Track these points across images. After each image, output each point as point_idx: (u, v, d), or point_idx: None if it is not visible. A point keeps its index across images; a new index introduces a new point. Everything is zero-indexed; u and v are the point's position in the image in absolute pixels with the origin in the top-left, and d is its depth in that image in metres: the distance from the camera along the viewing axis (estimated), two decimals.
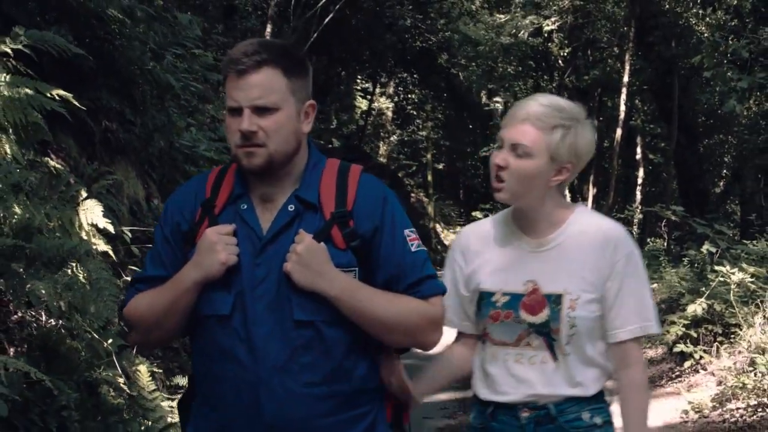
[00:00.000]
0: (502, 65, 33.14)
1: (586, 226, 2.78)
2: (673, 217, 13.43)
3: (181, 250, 2.45)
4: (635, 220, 25.58)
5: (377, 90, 36.77)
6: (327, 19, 20.65)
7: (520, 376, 2.72)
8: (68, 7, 5.43)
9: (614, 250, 2.72)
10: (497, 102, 37.34)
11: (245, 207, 2.41)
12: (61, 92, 3.79)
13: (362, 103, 37.70)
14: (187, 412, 2.56)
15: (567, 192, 34.10)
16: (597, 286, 2.72)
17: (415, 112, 39.28)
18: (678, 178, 20.85)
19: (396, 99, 38.94)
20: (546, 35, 27.81)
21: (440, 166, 41.91)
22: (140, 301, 2.45)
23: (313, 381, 2.34)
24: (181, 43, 7.60)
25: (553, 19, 23.57)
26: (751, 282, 8.77)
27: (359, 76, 34.46)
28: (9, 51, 3.90)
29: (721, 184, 30.59)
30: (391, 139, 40.16)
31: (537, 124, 2.67)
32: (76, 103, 3.99)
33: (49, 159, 4.86)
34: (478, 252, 2.84)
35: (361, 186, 2.46)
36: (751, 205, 21.56)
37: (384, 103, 39.69)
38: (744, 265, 9.13)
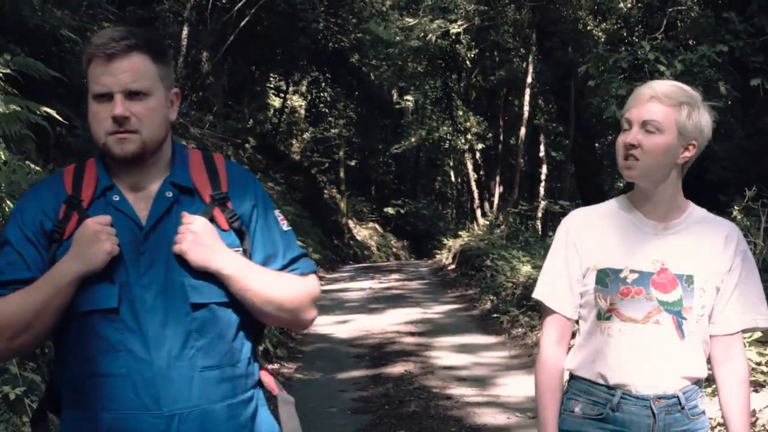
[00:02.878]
0: (412, 65, 34.19)
1: (707, 218, 2.86)
2: (559, 209, 14.57)
3: (46, 250, 2.37)
4: (539, 214, 26.87)
5: (290, 88, 37.35)
6: (243, 22, 21.21)
7: (649, 356, 2.75)
8: (27, 29, 6.20)
9: (735, 244, 2.81)
10: (408, 100, 38.30)
11: (118, 198, 2.37)
12: (47, 109, 4.62)
13: (275, 101, 38.21)
14: (45, 425, 2.49)
15: (474, 187, 35.36)
16: (720, 274, 2.79)
17: (327, 111, 39.74)
18: (576, 175, 22.05)
19: (309, 97, 39.54)
20: (453, 37, 28.85)
21: (352, 163, 42.53)
22: (4, 306, 2.31)
23: (209, 365, 2.35)
24: None
25: (459, 23, 24.62)
26: None
27: (272, 75, 34.98)
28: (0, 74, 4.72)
29: (622, 180, 32.02)
30: (304, 136, 40.73)
31: (665, 101, 2.71)
32: (59, 118, 4.81)
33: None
34: (596, 230, 2.87)
35: (230, 168, 2.50)
36: None
37: (297, 101, 40.25)
38: None
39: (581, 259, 2.85)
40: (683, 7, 15.19)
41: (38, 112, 4.45)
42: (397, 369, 9.97)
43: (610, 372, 2.77)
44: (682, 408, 2.75)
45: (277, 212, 2.55)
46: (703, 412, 2.84)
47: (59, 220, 2.36)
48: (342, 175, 38.59)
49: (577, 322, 2.93)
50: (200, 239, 2.31)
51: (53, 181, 2.48)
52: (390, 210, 40.54)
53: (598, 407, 2.80)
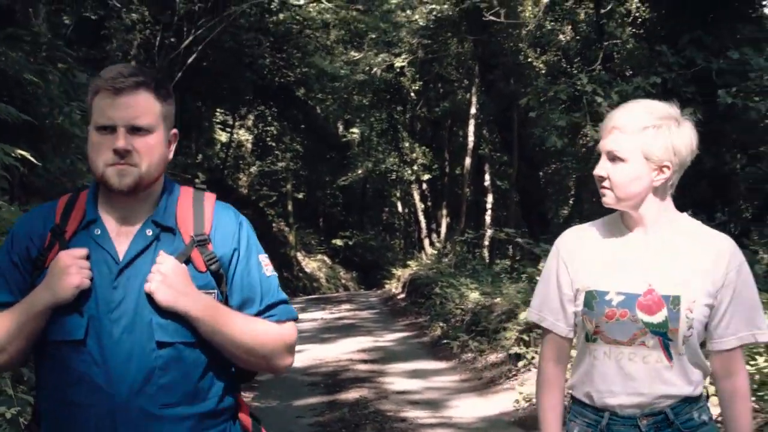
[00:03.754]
0: (357, 97, 34.58)
1: (698, 232, 2.82)
2: (504, 237, 14.99)
3: (29, 275, 2.44)
4: (485, 242, 27.29)
5: (236, 123, 37.47)
6: (190, 60, 21.39)
7: (635, 376, 2.75)
8: None
9: (728, 259, 2.77)
10: (353, 132, 38.61)
11: (99, 232, 2.42)
12: (21, 152, 4.88)
13: (222, 136, 38.27)
14: None
15: (422, 217, 35.74)
16: (711, 292, 2.75)
17: (274, 144, 39.89)
18: (521, 204, 22.49)
19: (255, 131, 39.67)
20: (398, 70, 29.29)
21: (300, 196, 42.57)
22: None
23: (170, 402, 2.37)
24: (80, 99, 8.66)
25: (403, 56, 25.09)
26: None
27: (219, 110, 35.11)
28: None
29: (567, 207, 32.60)
30: (251, 170, 40.83)
31: (626, 129, 2.69)
32: (33, 160, 5.08)
33: None
34: (585, 251, 2.87)
35: (218, 211, 2.52)
36: None
37: (243, 136, 40.36)
38: None
39: (572, 279, 2.85)
40: (619, 41, 15.77)
41: (13, 155, 4.72)
42: (352, 395, 10.23)
43: (597, 394, 2.79)
44: (671, 423, 2.76)
45: (262, 257, 2.56)
46: (705, 423, 2.82)
47: (44, 248, 2.42)
48: (290, 208, 38.63)
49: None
50: (168, 280, 2.34)
51: (47, 208, 2.53)
52: (338, 242, 40.71)
53: (591, 429, 2.82)
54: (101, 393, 2.32)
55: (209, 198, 2.54)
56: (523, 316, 10.82)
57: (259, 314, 2.49)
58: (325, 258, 40.00)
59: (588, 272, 2.82)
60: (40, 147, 7.16)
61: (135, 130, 2.34)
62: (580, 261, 2.85)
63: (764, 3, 14.30)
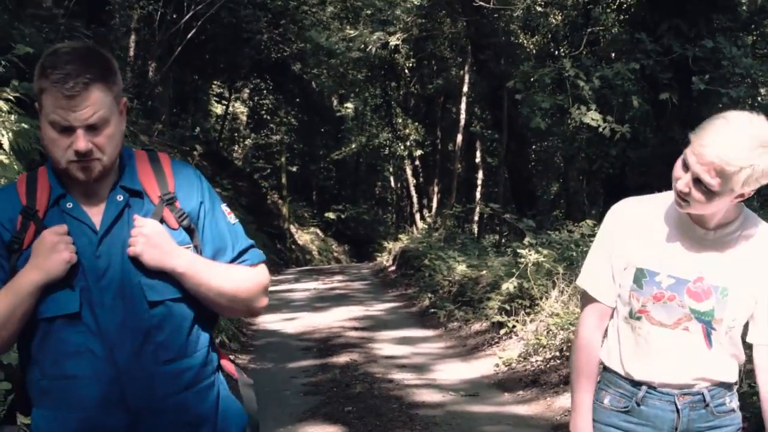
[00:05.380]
0: (352, 73, 35.04)
1: (754, 228, 2.82)
2: (491, 212, 15.62)
3: (7, 260, 2.44)
4: (475, 218, 27.94)
5: (232, 96, 37.83)
6: (190, 34, 21.78)
7: (676, 358, 2.78)
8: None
9: None
10: (348, 107, 39.05)
11: (71, 205, 2.44)
12: None
13: (218, 108, 38.59)
14: (14, 422, 2.61)
15: (413, 192, 36.37)
16: (758, 287, 2.78)
17: (269, 117, 40.15)
18: (510, 181, 23.00)
19: (250, 104, 40.04)
20: (393, 47, 29.77)
21: (294, 169, 42.77)
22: None
23: (168, 358, 2.45)
24: None
25: (398, 35, 25.58)
26: (545, 261, 11.06)
27: (215, 83, 35.44)
28: (12, 98, 5.61)
29: (557, 184, 33.15)
30: (246, 142, 41.16)
31: (725, 169, 2.56)
32: None
33: None
34: (641, 225, 2.85)
35: (175, 168, 2.58)
36: (574, 203, 23.78)
37: (239, 108, 40.73)
38: (540, 249, 11.45)
39: (623, 252, 2.85)
40: (601, 28, 16.37)
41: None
42: (343, 359, 10.90)
43: (636, 369, 2.83)
44: (707, 405, 2.79)
45: (224, 206, 2.64)
46: (733, 410, 2.88)
47: (17, 231, 2.43)
48: (284, 180, 38.71)
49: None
50: (152, 241, 2.41)
51: (6, 191, 2.53)
52: (331, 215, 41.00)
53: (625, 400, 2.85)
54: (102, 362, 2.39)
55: (164, 158, 2.60)
56: (504, 287, 11.51)
57: (232, 261, 2.59)
58: (318, 231, 40.35)
59: (641, 249, 2.81)
60: None
61: (92, 128, 2.34)
62: (635, 235, 2.84)
63: None
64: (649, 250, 2.80)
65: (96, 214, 2.45)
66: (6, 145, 5.45)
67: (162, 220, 2.48)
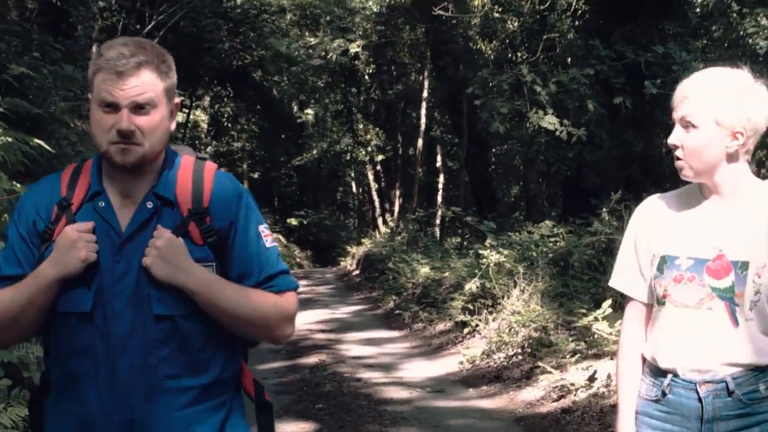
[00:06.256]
0: (312, 79, 35.30)
1: None
2: (453, 215, 15.97)
3: (37, 248, 2.45)
4: (437, 221, 28.29)
5: (193, 103, 37.87)
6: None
7: (698, 341, 2.75)
8: None
9: None
10: (308, 113, 39.29)
11: (103, 204, 2.42)
12: (37, 140, 5.79)
13: (178, 116, 38.57)
14: (40, 412, 2.56)
15: (375, 197, 36.68)
16: None
17: (230, 125, 40.24)
18: (470, 184, 23.34)
19: (211, 111, 40.11)
20: (353, 54, 30.07)
21: (255, 176, 42.88)
22: None
23: (171, 374, 2.40)
24: (67, 89, 9.51)
25: (358, 42, 25.91)
26: (506, 261, 11.45)
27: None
28: None
29: (517, 187, 33.56)
30: (208, 150, 41.18)
31: (697, 96, 2.69)
32: (48, 148, 5.97)
33: None
34: (662, 217, 2.88)
35: (217, 183, 2.49)
36: (534, 205, 24.13)
37: (199, 116, 40.79)
38: (500, 249, 11.85)
39: (648, 245, 2.88)
40: (557, 35, 16.80)
41: (30, 143, 5.62)
42: (312, 359, 11.18)
43: (661, 355, 2.82)
44: (731, 392, 2.72)
45: (262, 227, 2.55)
46: None
47: (51, 221, 2.44)
48: (246, 187, 38.96)
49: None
50: (164, 255, 2.35)
51: (51, 180, 2.54)
52: (293, 221, 41.14)
53: (656, 389, 2.84)
54: (104, 365, 2.37)
55: (209, 169, 2.53)
56: (467, 287, 11.87)
57: (257, 285, 2.49)
58: (281, 237, 40.45)
59: (662, 238, 2.84)
60: (35, 134, 7.99)
61: (138, 109, 2.34)
62: (655, 227, 2.87)
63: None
64: (670, 237, 2.83)
65: (125, 217, 2.42)
66: None
67: (186, 234, 2.42)
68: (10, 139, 5.74)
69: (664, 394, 2.80)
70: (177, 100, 2.49)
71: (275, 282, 2.51)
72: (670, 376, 2.79)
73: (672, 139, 2.76)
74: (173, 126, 2.48)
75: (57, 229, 2.42)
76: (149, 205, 2.42)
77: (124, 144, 2.34)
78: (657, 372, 2.84)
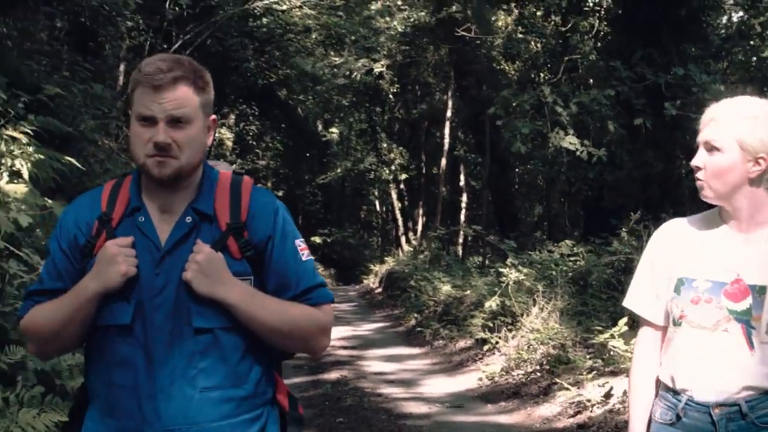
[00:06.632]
0: (337, 98, 35.56)
1: None
2: (474, 234, 16.12)
3: (78, 262, 2.50)
4: (459, 240, 28.40)
5: (218, 121, 38.03)
6: None
7: (713, 363, 2.76)
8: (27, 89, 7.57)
9: None
10: (333, 132, 39.54)
11: (143, 219, 2.47)
12: (68, 158, 6.04)
13: None
14: (79, 421, 2.59)
15: (399, 216, 36.84)
16: None
17: (254, 143, 40.53)
18: (493, 203, 23.48)
19: (236, 130, 40.44)
20: (377, 74, 30.30)
21: (280, 194, 43.08)
22: (38, 313, 2.49)
23: (209, 386, 2.42)
24: (96, 108, 9.80)
25: (382, 62, 26.13)
26: (525, 279, 11.60)
27: None
28: (29, 131, 6.12)
29: (540, 206, 33.61)
30: (233, 168, 41.38)
31: (723, 120, 2.71)
32: (78, 165, 6.22)
33: None
34: (681, 240, 2.90)
35: (254, 198, 2.53)
36: (556, 224, 24.21)
37: (224, 134, 41.14)
38: (520, 267, 12.01)
39: (665, 268, 2.89)
40: (579, 56, 16.95)
41: (62, 161, 5.87)
42: (334, 375, 11.37)
43: (677, 376, 2.82)
44: (745, 416, 2.72)
45: (298, 242, 2.58)
46: None
47: (92, 236, 2.49)
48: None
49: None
50: (204, 269, 2.39)
51: (93, 196, 2.59)
52: (317, 239, 41.32)
53: (671, 413, 2.84)
54: (144, 376, 2.40)
55: (246, 184, 2.56)
56: (487, 305, 12.03)
57: (295, 298, 2.52)
58: None
59: (681, 261, 2.85)
60: (65, 151, 8.23)
61: (175, 122, 2.39)
62: (674, 251, 2.88)
63: (711, 21, 15.56)
64: (689, 260, 2.83)
65: (165, 232, 2.46)
66: (25, 175, 5.94)
67: (224, 249, 2.46)
68: (42, 157, 5.97)
69: (678, 417, 2.80)
70: (213, 116, 2.53)
71: (312, 295, 2.54)
72: (684, 398, 2.80)
73: (695, 161, 2.77)
74: (210, 141, 2.52)
75: (98, 243, 2.47)
76: (188, 219, 2.47)
77: (160, 157, 2.38)
78: (672, 394, 2.84)
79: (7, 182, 5.97)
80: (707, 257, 2.80)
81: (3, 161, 5.99)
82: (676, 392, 2.82)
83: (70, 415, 2.67)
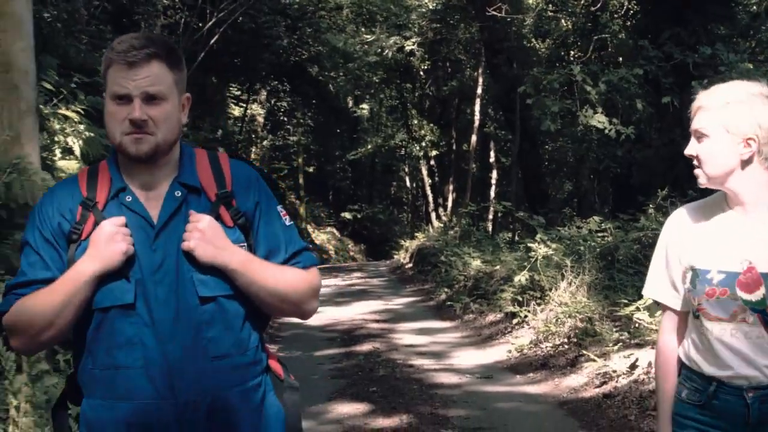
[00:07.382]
0: (368, 75, 35.75)
1: None
2: (504, 210, 16.34)
3: (65, 250, 2.48)
4: (489, 216, 28.62)
5: (250, 98, 38.30)
6: (213, 40, 22.46)
7: (740, 351, 2.77)
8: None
9: None
10: (363, 108, 39.72)
11: (130, 199, 2.47)
12: None
13: (235, 110, 39.22)
14: (64, 417, 2.60)
15: (429, 192, 37.06)
16: None
17: (286, 119, 40.52)
18: (523, 180, 23.63)
19: (267, 106, 40.61)
20: (408, 51, 30.47)
21: (310, 170, 43.13)
22: (26, 305, 2.44)
23: (219, 354, 2.46)
24: None
25: (413, 39, 26.31)
26: (553, 255, 11.85)
27: (232, 85, 35.93)
28: (80, 110, 6.45)
29: (569, 183, 33.68)
30: (264, 144, 41.70)
31: (708, 107, 2.75)
32: None
33: None
34: (692, 230, 2.90)
35: (234, 168, 2.59)
36: (586, 201, 24.31)
37: (256, 110, 41.30)
38: (549, 243, 12.26)
39: (679, 258, 2.92)
40: (608, 35, 17.09)
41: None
42: (366, 347, 11.68)
43: (704, 364, 2.85)
44: None
45: (279, 207, 2.65)
46: None
47: (76, 222, 2.47)
48: (301, 181, 39.10)
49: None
50: (206, 237, 2.42)
51: (69, 183, 2.57)
52: (347, 215, 41.51)
53: (699, 395, 2.87)
54: (154, 354, 2.41)
55: (224, 156, 2.62)
56: (516, 279, 12.29)
57: (285, 262, 2.58)
58: (335, 230, 40.79)
59: (691, 250, 2.86)
60: None
61: (149, 99, 2.39)
62: (685, 239, 2.90)
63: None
64: (700, 249, 2.84)
65: (154, 208, 2.47)
66: (77, 152, 6.28)
67: (218, 217, 2.49)
68: (92, 134, 6.30)
69: (708, 399, 2.84)
70: (188, 94, 2.55)
71: (300, 258, 2.62)
72: (715, 383, 2.82)
73: (688, 150, 2.82)
74: (185, 119, 2.53)
75: (85, 228, 2.46)
76: (177, 194, 2.50)
77: (137, 134, 2.39)
78: (700, 378, 2.88)
79: (60, 158, 6.31)
80: (717, 246, 2.81)
81: (56, 139, 6.31)
82: (705, 377, 2.86)
83: (53, 412, 2.66)
